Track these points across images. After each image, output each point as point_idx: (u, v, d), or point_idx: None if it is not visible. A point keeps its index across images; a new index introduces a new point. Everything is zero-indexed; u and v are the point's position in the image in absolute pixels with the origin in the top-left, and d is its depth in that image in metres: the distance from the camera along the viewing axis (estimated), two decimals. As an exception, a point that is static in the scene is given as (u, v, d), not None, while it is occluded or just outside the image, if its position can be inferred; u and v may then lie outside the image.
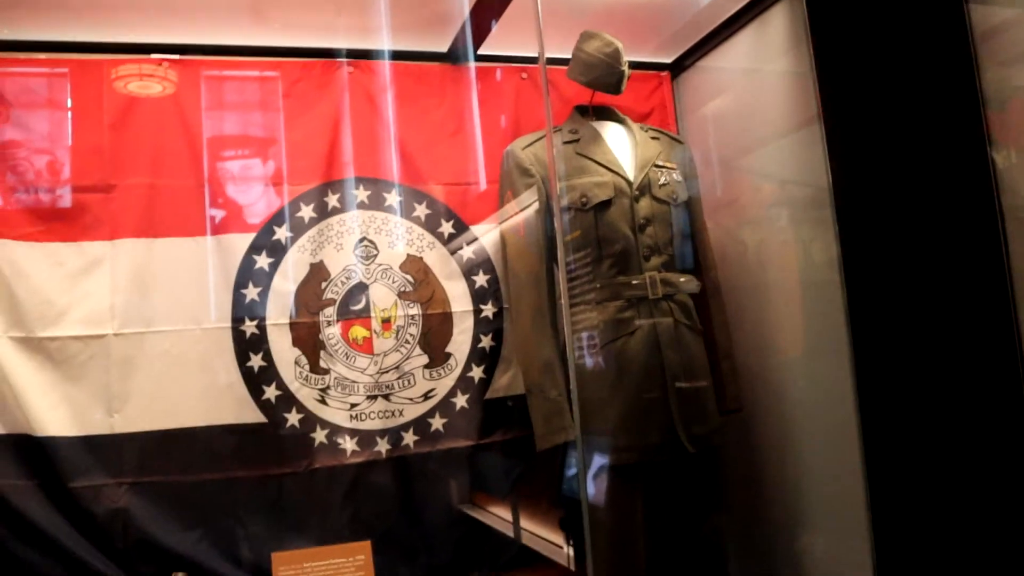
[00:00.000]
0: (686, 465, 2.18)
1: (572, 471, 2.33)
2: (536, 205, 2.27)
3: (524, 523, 2.44)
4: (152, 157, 2.30)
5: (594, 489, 2.15)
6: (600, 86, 2.29)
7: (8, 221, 2.21)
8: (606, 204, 2.21)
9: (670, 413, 2.14)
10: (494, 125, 2.52)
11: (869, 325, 1.87)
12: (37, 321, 2.19)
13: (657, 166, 2.30)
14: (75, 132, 2.28)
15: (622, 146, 2.33)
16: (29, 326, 2.19)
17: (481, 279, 2.44)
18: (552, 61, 2.45)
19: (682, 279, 2.27)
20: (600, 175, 2.24)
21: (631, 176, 2.25)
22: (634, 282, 2.19)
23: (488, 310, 2.43)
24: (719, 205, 2.51)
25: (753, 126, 2.45)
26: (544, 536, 2.45)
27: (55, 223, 2.24)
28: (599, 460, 2.17)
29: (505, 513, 2.42)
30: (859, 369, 1.88)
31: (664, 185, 2.28)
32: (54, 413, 2.19)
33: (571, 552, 2.38)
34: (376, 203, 2.41)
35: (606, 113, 2.38)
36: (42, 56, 2.28)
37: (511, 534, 2.41)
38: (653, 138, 2.39)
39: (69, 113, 2.30)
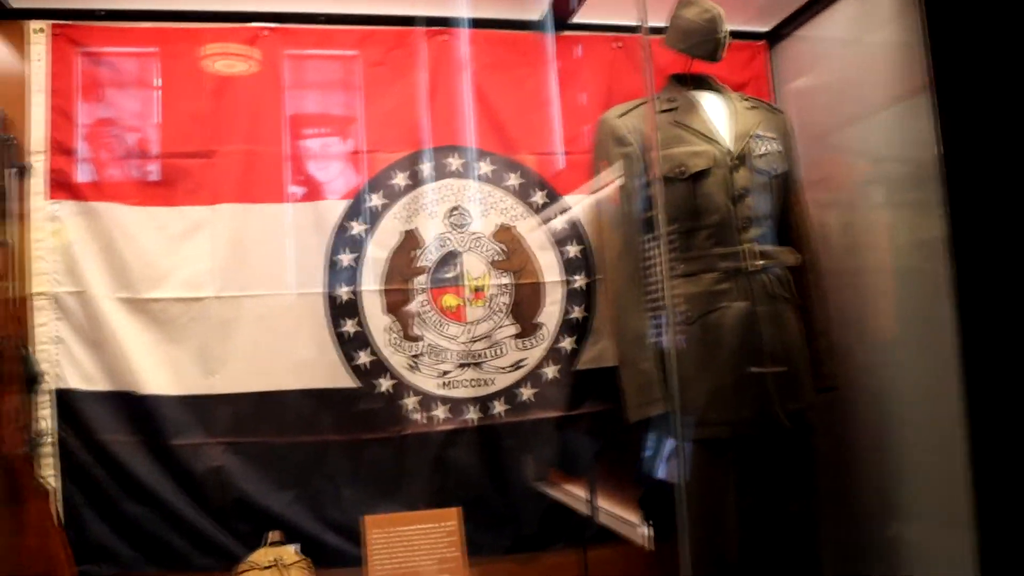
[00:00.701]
0: (780, 442, 2.20)
1: (657, 447, 2.37)
2: (631, 175, 2.31)
3: (601, 500, 2.49)
4: (249, 124, 2.39)
5: (685, 464, 2.19)
6: (698, 53, 2.31)
7: (116, 186, 2.33)
8: (703, 174, 2.23)
9: (765, 388, 2.16)
10: (587, 94, 2.55)
11: (979, 309, 1.85)
12: (142, 282, 2.31)
13: (756, 136, 2.31)
14: (177, 99, 2.38)
15: (720, 115, 2.34)
16: (135, 287, 2.31)
17: (573, 249, 2.49)
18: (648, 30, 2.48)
19: (779, 252, 2.28)
20: (697, 144, 2.26)
21: (729, 146, 2.26)
22: (730, 254, 2.21)
23: (579, 281, 2.48)
24: (813, 180, 2.51)
25: (851, 99, 2.43)
26: (621, 515, 2.50)
27: (159, 188, 2.35)
28: (691, 434, 2.20)
29: (582, 489, 2.48)
30: (967, 354, 1.87)
31: (763, 156, 2.29)
32: (157, 372, 2.30)
33: (649, 532, 2.42)
34: (469, 172, 2.47)
35: (703, 82, 2.39)
36: (146, 25, 2.39)
37: (586, 511, 2.47)
38: (752, 108, 2.39)
39: (165, 82, 2.40)
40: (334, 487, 2.33)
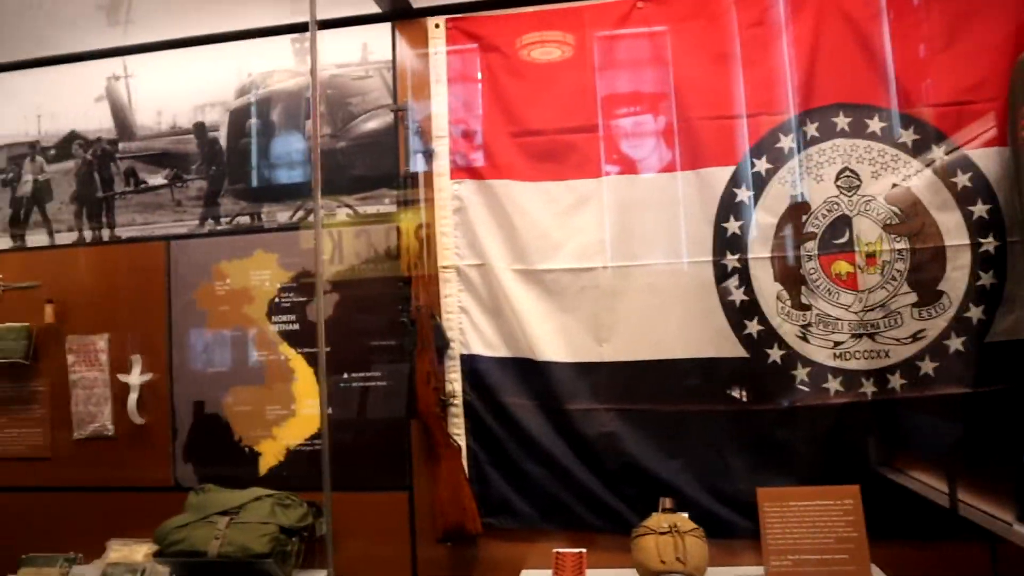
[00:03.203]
0: None
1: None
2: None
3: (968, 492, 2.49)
4: (631, 94, 2.70)
5: None
6: None
7: (509, 164, 2.72)
8: None
9: None
10: (992, 35, 2.55)
11: None
12: (536, 254, 2.69)
13: None
14: (558, 76, 2.73)
15: None
16: (529, 259, 2.70)
17: (980, 209, 2.51)
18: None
19: None
20: None
21: None
22: None
23: (989, 244, 2.50)
24: None
25: None
26: (989, 509, 2.48)
27: (548, 164, 2.71)
28: None
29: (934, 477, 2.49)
30: None
31: None
32: (551, 340, 2.67)
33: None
34: (857, 130, 2.58)
35: None
36: (528, 10, 2.77)
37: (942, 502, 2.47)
38: None
39: (547, 61, 2.78)
40: (721, 457, 2.55)
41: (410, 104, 2.69)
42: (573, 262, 2.54)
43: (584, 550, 2.37)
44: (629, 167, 2.56)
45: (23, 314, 3.04)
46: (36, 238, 3.11)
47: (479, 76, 2.70)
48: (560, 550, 2.38)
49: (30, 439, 3.03)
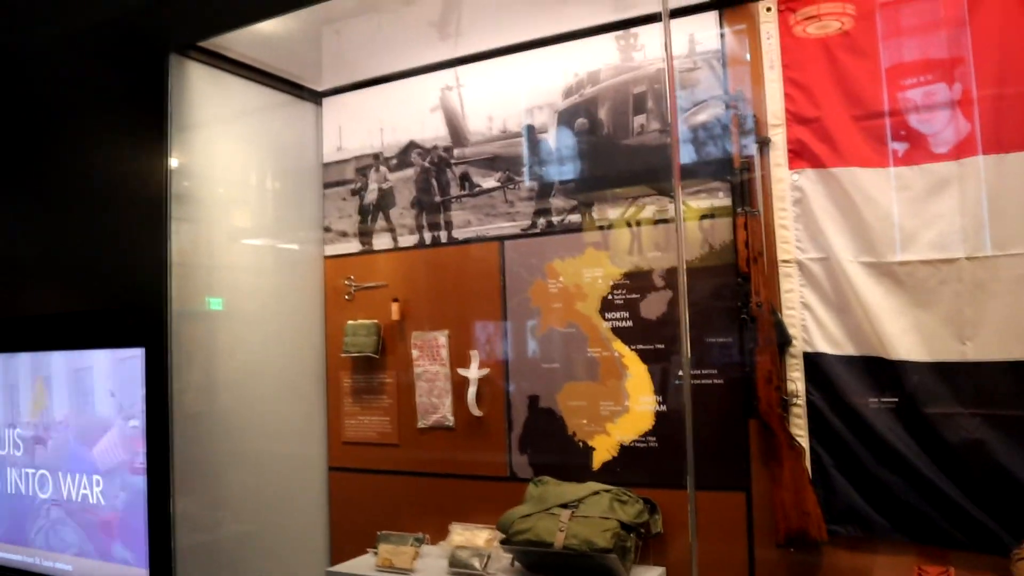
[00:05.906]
0: None
1: None
2: None
3: None
4: (997, 61, 2.59)
5: None
6: None
7: (853, 150, 2.71)
8: None
9: None
10: None
11: None
12: (886, 246, 2.65)
13: None
14: (905, 49, 2.70)
15: None
16: (879, 251, 2.68)
17: None
18: None
19: None
20: None
21: None
22: None
23: None
24: None
25: None
26: None
27: (897, 146, 2.71)
28: None
29: None
30: None
31: None
32: (904, 338, 2.63)
33: None
34: None
35: None
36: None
37: None
38: None
39: (885, 37, 2.74)
40: None
41: (742, 93, 2.80)
42: (930, 253, 2.53)
43: (952, 568, 2.36)
44: (996, 145, 2.48)
45: (373, 311, 3.55)
46: (381, 241, 3.61)
47: (816, 59, 2.71)
48: (925, 566, 2.38)
49: (380, 427, 3.54)
